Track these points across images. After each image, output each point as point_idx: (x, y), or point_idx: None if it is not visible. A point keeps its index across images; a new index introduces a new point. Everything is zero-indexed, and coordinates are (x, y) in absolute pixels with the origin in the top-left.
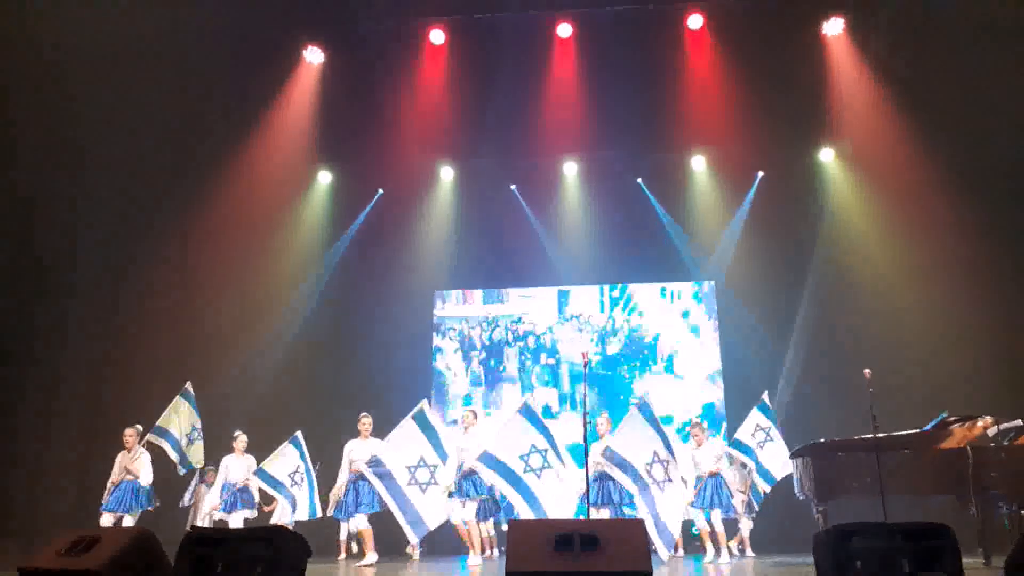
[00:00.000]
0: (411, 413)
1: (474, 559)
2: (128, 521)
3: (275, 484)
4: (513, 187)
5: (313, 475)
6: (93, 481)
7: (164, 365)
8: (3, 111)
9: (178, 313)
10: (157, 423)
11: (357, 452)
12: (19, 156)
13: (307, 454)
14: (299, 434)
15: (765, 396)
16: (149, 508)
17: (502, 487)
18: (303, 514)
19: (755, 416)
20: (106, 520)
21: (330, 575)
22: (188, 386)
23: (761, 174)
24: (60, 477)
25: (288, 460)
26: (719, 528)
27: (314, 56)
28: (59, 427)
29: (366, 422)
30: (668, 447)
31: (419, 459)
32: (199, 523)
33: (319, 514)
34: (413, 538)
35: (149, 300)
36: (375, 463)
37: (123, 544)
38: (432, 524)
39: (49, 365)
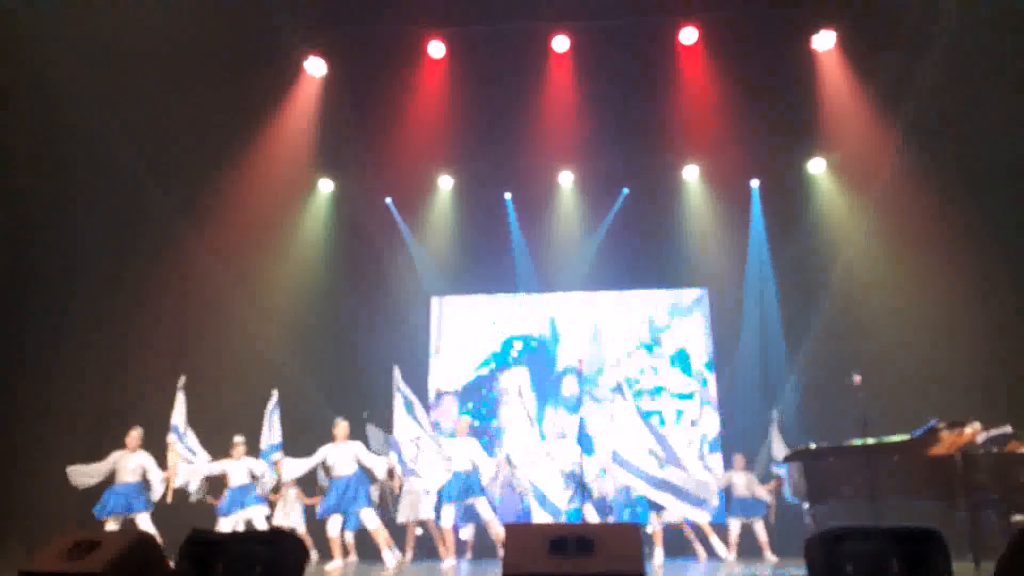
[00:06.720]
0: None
1: (449, 561)
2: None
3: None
4: (508, 196)
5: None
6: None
7: (162, 368)
8: None
9: (176, 318)
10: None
11: (332, 456)
12: (15, 160)
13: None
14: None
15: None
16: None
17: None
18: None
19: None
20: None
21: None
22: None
23: (757, 183)
24: (60, 478)
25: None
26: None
27: (315, 67)
28: (58, 427)
29: (342, 425)
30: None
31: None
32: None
33: None
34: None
35: (148, 304)
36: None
37: (123, 547)
38: None
39: (47, 365)
